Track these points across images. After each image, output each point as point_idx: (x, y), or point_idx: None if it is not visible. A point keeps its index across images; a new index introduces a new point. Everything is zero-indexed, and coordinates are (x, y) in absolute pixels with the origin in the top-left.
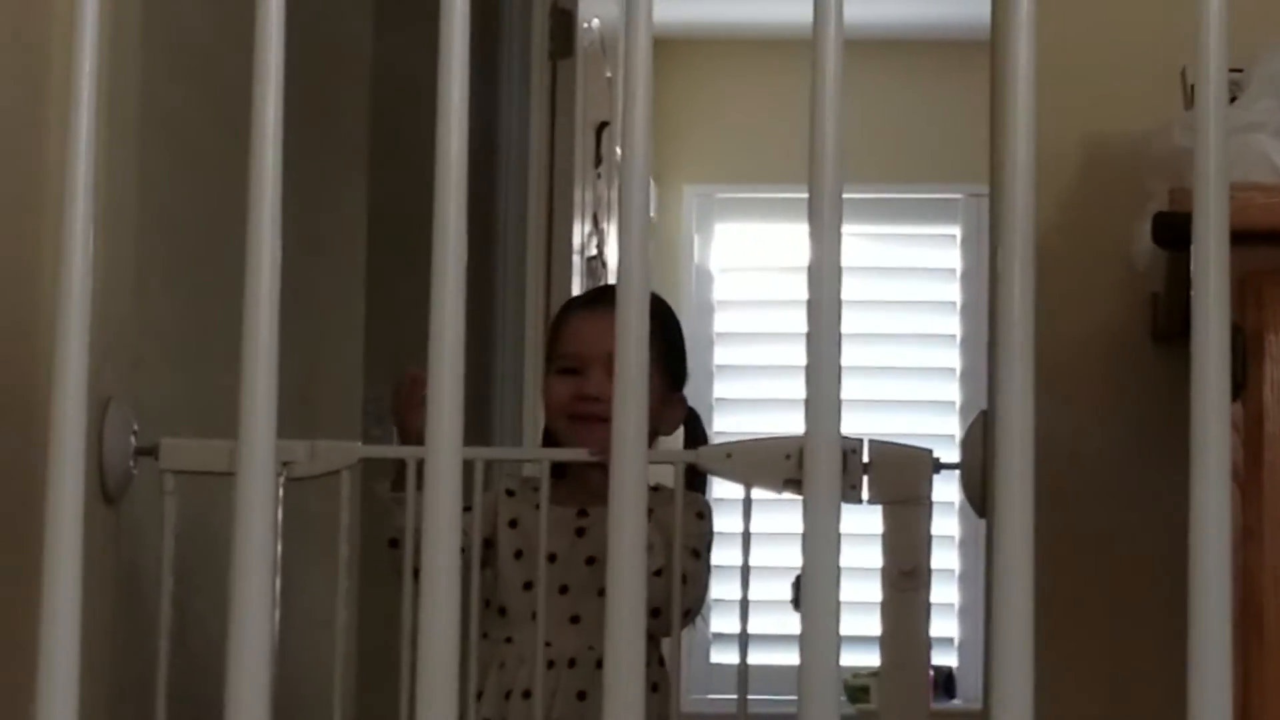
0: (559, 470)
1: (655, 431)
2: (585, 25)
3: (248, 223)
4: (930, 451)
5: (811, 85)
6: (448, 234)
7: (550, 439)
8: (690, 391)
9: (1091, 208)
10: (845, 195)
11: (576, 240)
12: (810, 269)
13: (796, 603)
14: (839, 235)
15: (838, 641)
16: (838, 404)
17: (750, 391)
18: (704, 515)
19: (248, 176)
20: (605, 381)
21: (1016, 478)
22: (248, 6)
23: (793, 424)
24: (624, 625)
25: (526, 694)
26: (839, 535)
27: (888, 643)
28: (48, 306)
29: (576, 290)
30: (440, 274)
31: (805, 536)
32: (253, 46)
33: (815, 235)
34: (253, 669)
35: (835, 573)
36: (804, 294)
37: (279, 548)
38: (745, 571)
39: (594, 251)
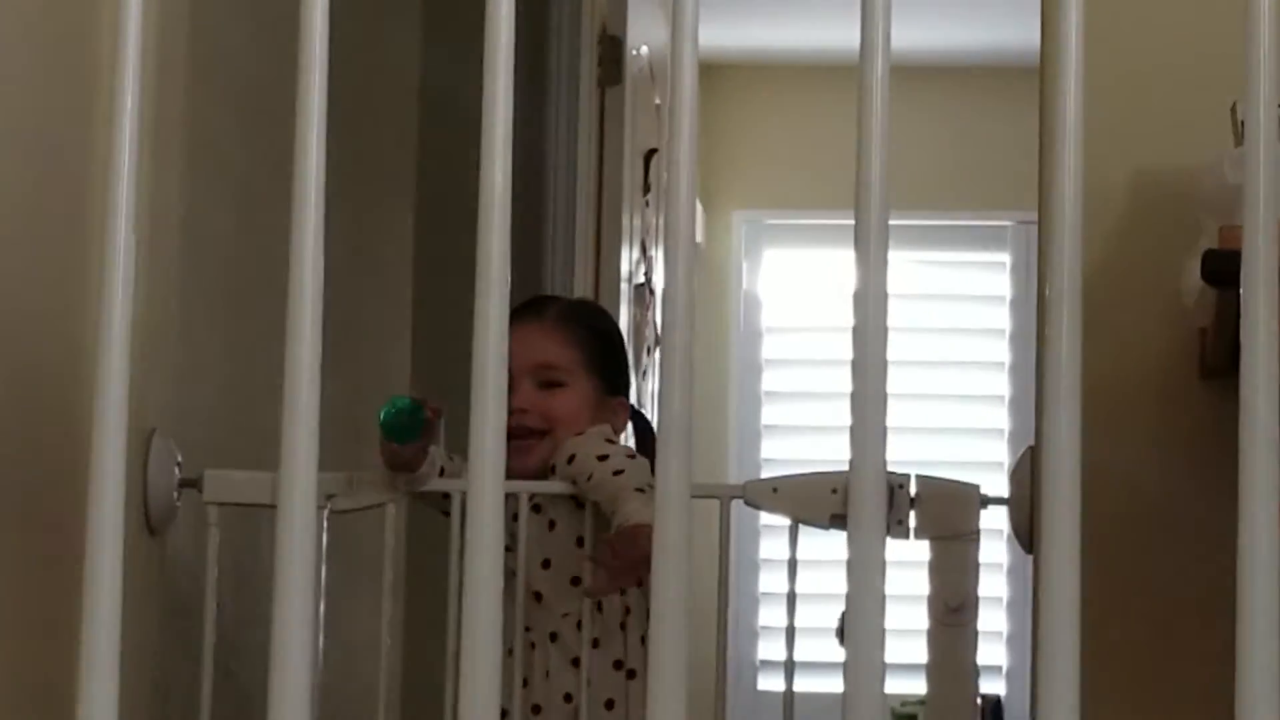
0: None
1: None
2: (634, 52)
3: (290, 253)
4: (978, 487)
5: (858, 112)
6: (490, 265)
7: None
8: (739, 417)
9: (1141, 242)
10: (895, 221)
11: (624, 267)
12: (856, 296)
13: (842, 635)
14: (885, 262)
15: (882, 673)
16: (883, 432)
17: (799, 418)
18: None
19: (291, 204)
20: (533, 393)
21: (1063, 514)
22: (293, 33)
23: (842, 450)
24: (668, 674)
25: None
26: (884, 566)
27: (935, 678)
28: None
29: (624, 319)
30: (483, 302)
31: (850, 566)
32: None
33: (861, 262)
34: (294, 699)
35: (880, 605)
36: (852, 320)
37: (323, 576)
38: (791, 599)
39: (641, 279)
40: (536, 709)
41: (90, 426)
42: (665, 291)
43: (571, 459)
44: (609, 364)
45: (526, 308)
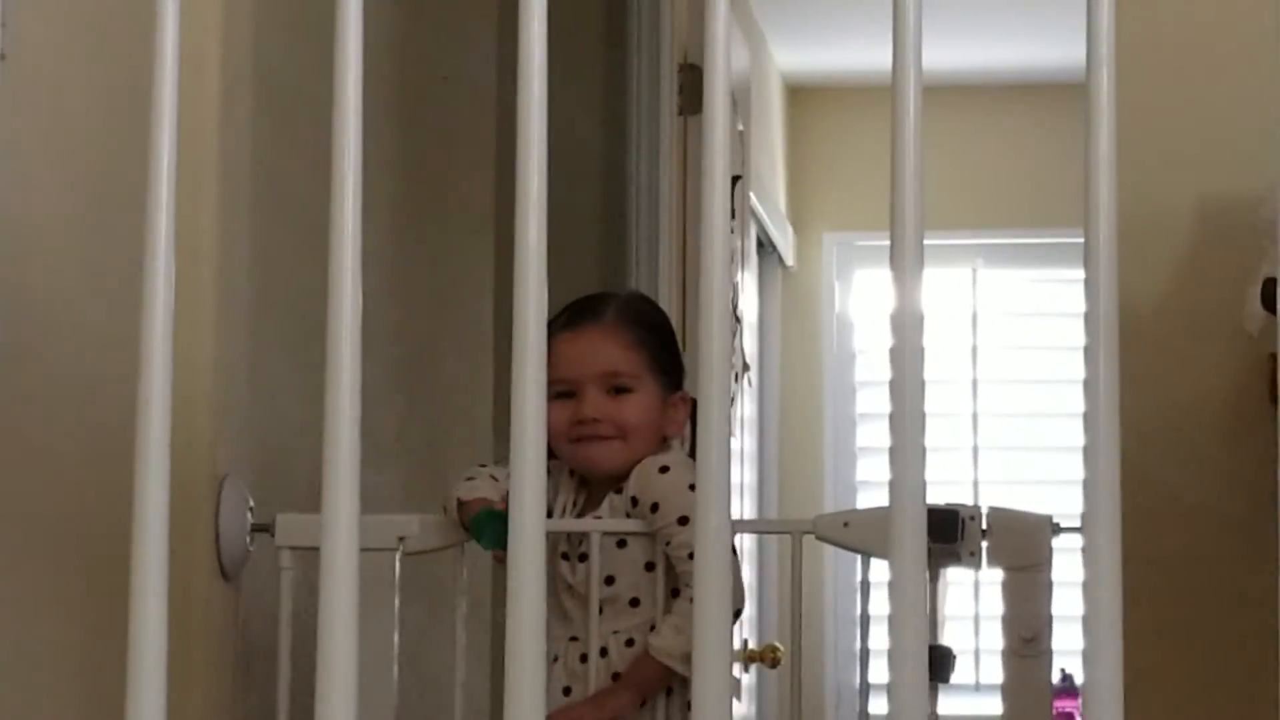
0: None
1: (664, 437)
2: None
3: (329, 295)
4: (1050, 517)
5: (891, 134)
6: (527, 318)
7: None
8: (834, 439)
9: (1210, 268)
10: (1010, 240)
11: None
12: (893, 318)
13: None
14: (920, 282)
15: (924, 691)
16: (922, 452)
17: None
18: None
19: (329, 242)
20: (602, 401)
21: (1104, 543)
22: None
23: (936, 471)
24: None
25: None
26: (925, 587)
27: (1010, 703)
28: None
29: None
30: (521, 344)
31: (891, 589)
32: (367, 118)
33: (897, 282)
34: None
35: (923, 625)
36: (946, 339)
37: (395, 612)
38: (865, 621)
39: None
40: None
41: (171, 467)
42: (700, 352)
43: (655, 507)
44: (669, 361)
45: (583, 309)
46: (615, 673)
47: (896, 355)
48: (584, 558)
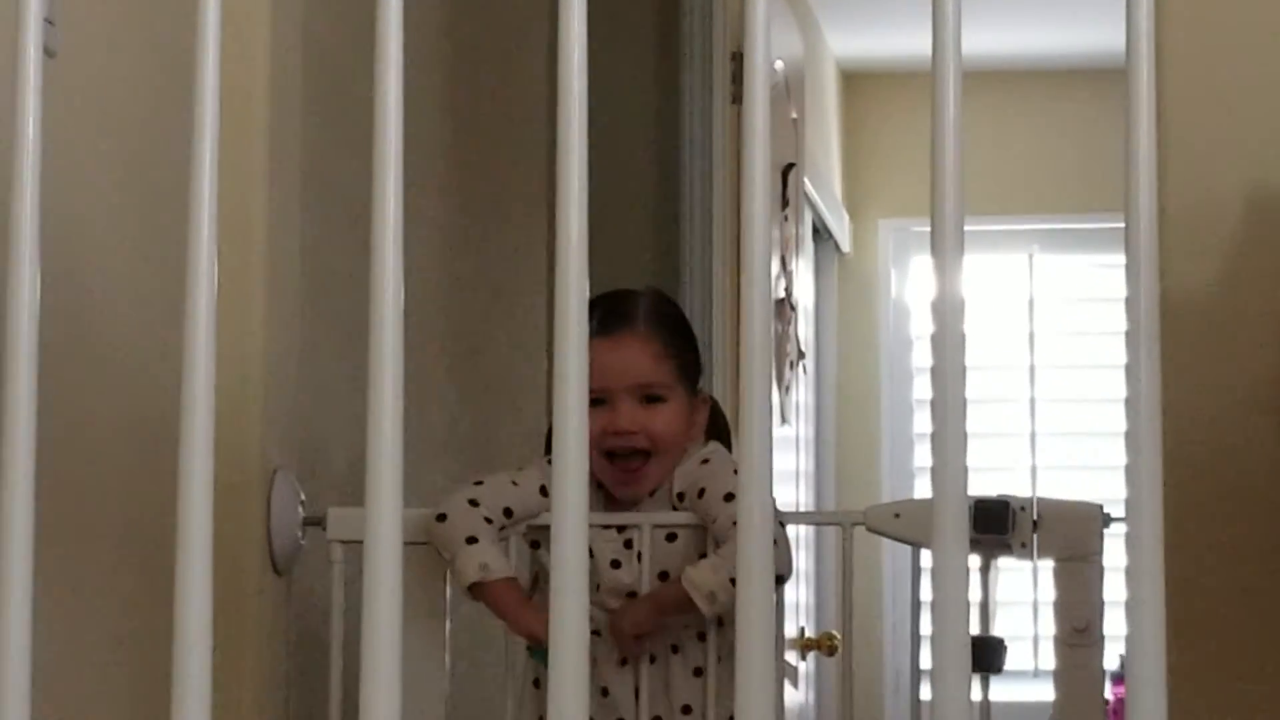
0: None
1: (684, 445)
2: None
3: (371, 289)
4: (1100, 507)
5: (932, 121)
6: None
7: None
8: (891, 425)
9: (1260, 255)
10: (1067, 225)
11: None
12: (933, 305)
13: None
14: (960, 269)
15: (966, 680)
16: (964, 438)
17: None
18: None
19: (371, 240)
20: (637, 412)
21: (1147, 532)
22: (411, 68)
23: (994, 457)
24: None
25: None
26: (967, 574)
27: (1062, 692)
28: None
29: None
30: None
31: (934, 575)
32: (412, 104)
33: (938, 269)
34: None
35: (965, 613)
36: (1002, 325)
37: (446, 602)
38: (916, 608)
39: (781, 293)
40: None
41: (218, 463)
42: (745, 348)
43: (701, 493)
44: (694, 363)
45: (615, 313)
46: (697, 668)
47: (938, 342)
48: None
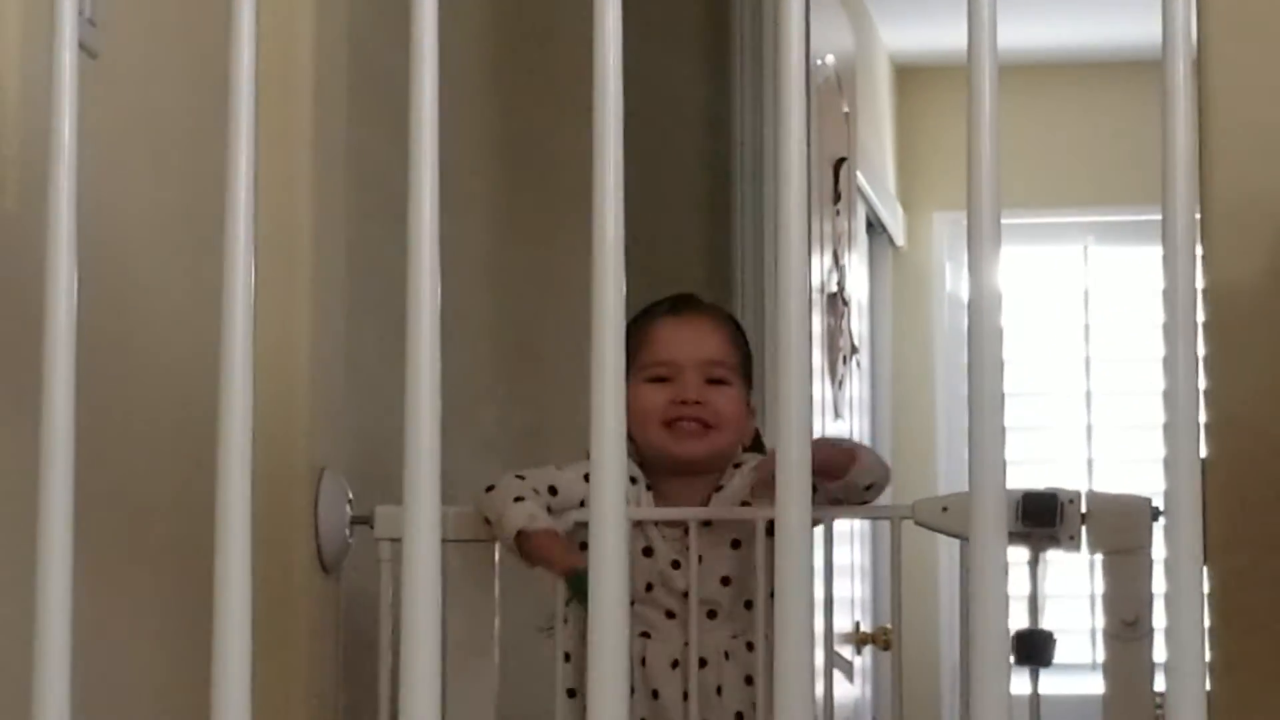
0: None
1: (739, 438)
2: (819, 62)
3: (408, 285)
4: (1149, 500)
5: (968, 114)
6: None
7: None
8: (946, 420)
9: None
10: (1121, 218)
11: (816, 277)
12: (970, 301)
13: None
14: (997, 264)
15: (1005, 674)
16: (1002, 433)
17: (1008, 418)
18: None
19: (407, 234)
20: (703, 387)
21: (1186, 523)
22: (451, 53)
23: (1049, 451)
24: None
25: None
26: (1006, 569)
27: (1111, 686)
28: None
29: (817, 328)
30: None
31: (972, 570)
32: (459, 99)
33: (974, 265)
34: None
35: (1004, 607)
36: (1058, 318)
37: (495, 599)
38: (965, 604)
39: (834, 287)
40: None
41: (264, 462)
42: (778, 335)
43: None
44: (750, 369)
45: (686, 299)
46: (748, 675)
47: (974, 335)
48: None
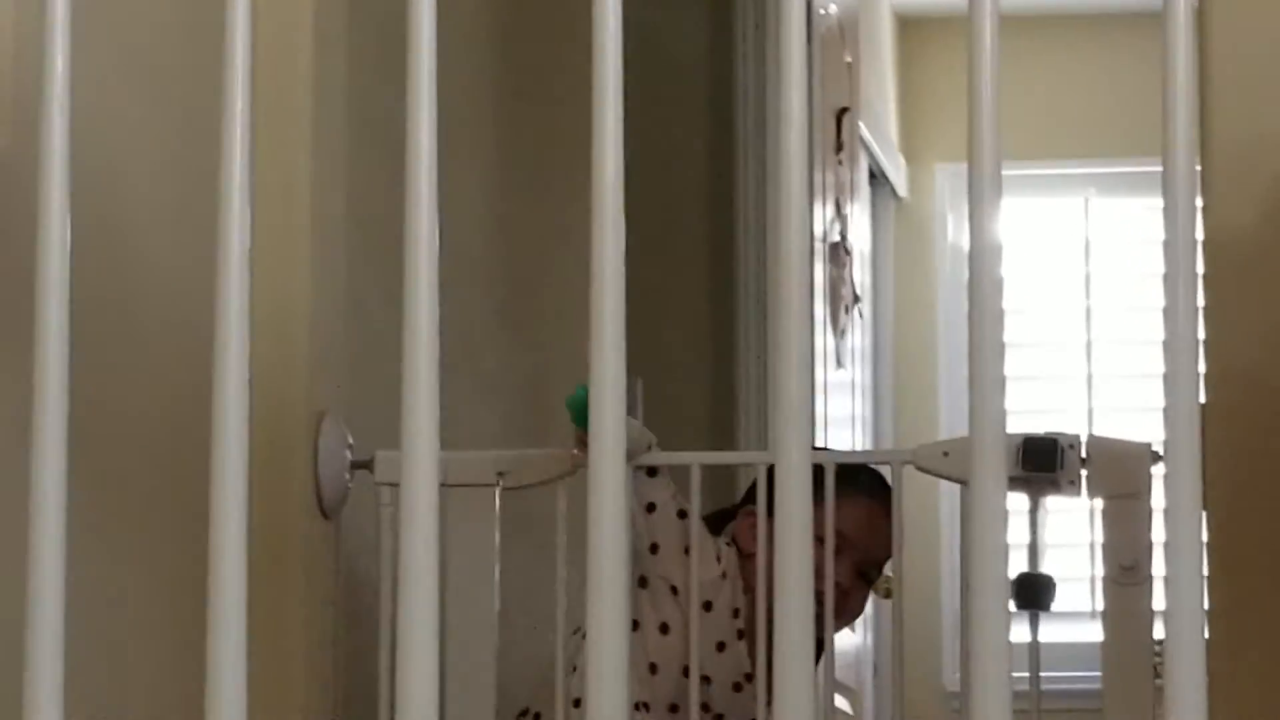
0: None
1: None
2: (821, 11)
3: (405, 230)
4: (1149, 445)
5: (968, 65)
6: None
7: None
8: (947, 370)
9: None
10: (1122, 169)
11: (819, 227)
12: (971, 251)
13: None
14: (997, 214)
15: (1005, 620)
16: (1002, 381)
17: (1009, 368)
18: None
19: (405, 185)
20: (849, 575)
21: (1185, 475)
22: (459, 8)
23: (1049, 398)
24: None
25: None
26: (1006, 516)
27: (1110, 631)
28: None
29: (819, 278)
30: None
31: (971, 517)
32: (461, 45)
33: (975, 215)
34: (420, 675)
35: (1004, 554)
36: (1059, 269)
37: (495, 547)
38: (965, 550)
39: (836, 237)
40: None
41: (263, 406)
42: (779, 291)
43: None
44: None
45: (885, 485)
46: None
47: (975, 287)
48: (749, 678)
